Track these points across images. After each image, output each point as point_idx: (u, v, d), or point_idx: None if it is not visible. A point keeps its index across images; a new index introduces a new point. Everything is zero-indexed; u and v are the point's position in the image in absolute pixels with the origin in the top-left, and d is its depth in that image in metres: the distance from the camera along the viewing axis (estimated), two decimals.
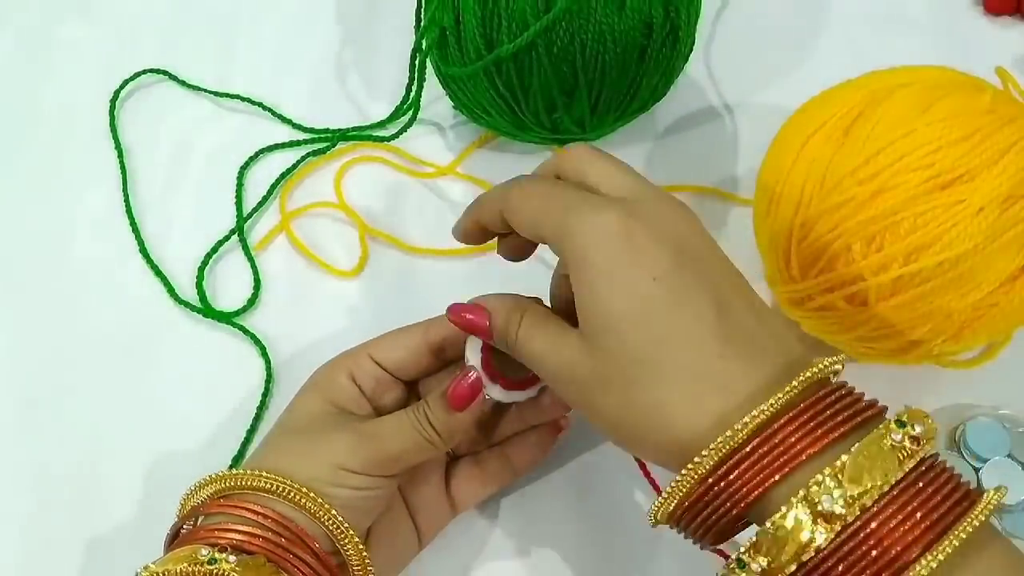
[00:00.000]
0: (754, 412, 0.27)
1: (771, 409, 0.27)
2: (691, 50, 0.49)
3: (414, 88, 0.50)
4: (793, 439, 0.27)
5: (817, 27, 0.58)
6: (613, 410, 0.30)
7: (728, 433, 0.27)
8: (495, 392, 0.36)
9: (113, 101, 0.56)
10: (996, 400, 0.44)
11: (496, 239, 0.37)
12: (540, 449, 0.41)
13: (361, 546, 0.34)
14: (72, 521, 0.43)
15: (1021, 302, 0.38)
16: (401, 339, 0.39)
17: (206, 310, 0.49)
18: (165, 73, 0.58)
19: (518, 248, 0.37)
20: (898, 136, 0.37)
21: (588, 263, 0.30)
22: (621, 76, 0.45)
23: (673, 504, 0.29)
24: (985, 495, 0.27)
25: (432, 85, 0.50)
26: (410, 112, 0.51)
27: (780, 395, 0.27)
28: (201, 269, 0.50)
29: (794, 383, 0.28)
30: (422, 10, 0.49)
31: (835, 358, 0.30)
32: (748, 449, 0.27)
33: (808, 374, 0.28)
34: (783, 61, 0.56)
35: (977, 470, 0.42)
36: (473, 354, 0.37)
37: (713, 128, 0.54)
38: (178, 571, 0.31)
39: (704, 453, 0.27)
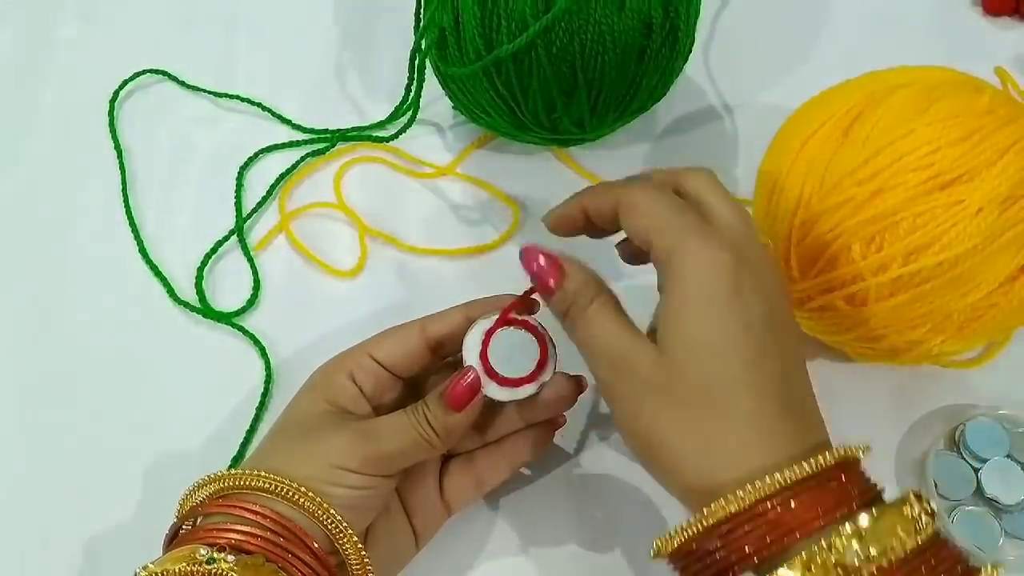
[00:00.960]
0: (785, 473, 0.29)
1: (802, 472, 0.29)
2: (690, 50, 0.49)
3: (413, 88, 0.50)
4: (810, 506, 0.28)
5: (816, 27, 0.58)
6: (662, 423, 0.31)
7: (748, 488, 0.29)
8: (493, 390, 0.36)
9: (112, 101, 0.56)
10: (995, 400, 0.44)
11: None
12: (538, 445, 0.41)
13: (360, 545, 0.34)
14: (72, 521, 0.43)
15: (1020, 302, 0.38)
16: (399, 336, 0.39)
17: (205, 310, 0.49)
18: (164, 73, 0.58)
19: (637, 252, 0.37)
20: (897, 136, 0.37)
21: (693, 286, 0.31)
22: (620, 76, 0.45)
23: (676, 544, 0.30)
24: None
25: (431, 85, 0.50)
26: (409, 112, 0.51)
27: (811, 463, 0.29)
28: (200, 269, 0.50)
29: (824, 457, 0.29)
30: (421, 10, 0.49)
31: (860, 445, 0.31)
32: (767, 507, 0.28)
33: (841, 452, 0.30)
34: (782, 61, 0.56)
35: (976, 470, 0.42)
36: (471, 352, 0.37)
37: (712, 128, 0.54)
38: (177, 570, 0.31)
39: (722, 503, 0.29)
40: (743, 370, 0.31)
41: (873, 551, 0.27)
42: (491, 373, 0.36)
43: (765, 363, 0.31)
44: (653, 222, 0.33)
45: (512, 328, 0.37)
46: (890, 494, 0.42)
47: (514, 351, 0.37)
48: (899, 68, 0.42)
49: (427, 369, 0.40)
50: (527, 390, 0.37)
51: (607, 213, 0.35)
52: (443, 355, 0.39)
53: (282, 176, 0.53)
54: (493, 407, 0.40)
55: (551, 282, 0.34)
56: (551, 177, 0.53)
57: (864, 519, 0.28)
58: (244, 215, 0.52)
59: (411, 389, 0.40)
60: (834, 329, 0.41)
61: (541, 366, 0.37)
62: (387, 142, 0.53)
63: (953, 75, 0.41)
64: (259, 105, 0.56)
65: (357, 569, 0.34)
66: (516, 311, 0.38)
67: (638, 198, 0.34)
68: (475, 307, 0.39)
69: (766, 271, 0.33)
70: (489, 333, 0.37)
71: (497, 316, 0.37)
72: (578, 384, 0.39)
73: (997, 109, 0.38)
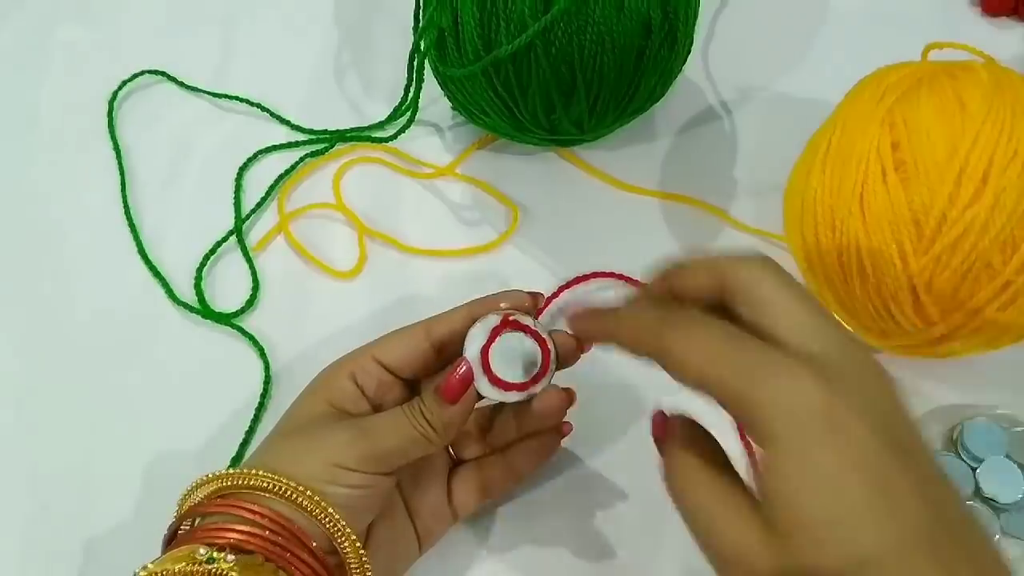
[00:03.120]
0: None
1: None
2: (689, 51, 0.49)
3: (412, 89, 0.50)
4: None
5: (815, 28, 0.58)
6: None
7: None
8: (484, 387, 0.36)
9: (111, 102, 0.56)
10: (993, 400, 0.44)
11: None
12: (543, 453, 0.41)
13: (358, 544, 0.34)
14: (71, 522, 0.43)
15: None
16: (404, 338, 0.39)
17: (204, 311, 0.49)
18: (163, 74, 0.58)
19: None
20: (970, 142, 0.37)
21: (781, 445, 0.25)
22: (619, 77, 0.45)
23: None
24: None
25: (431, 86, 0.50)
26: (408, 113, 0.51)
27: None
28: (199, 270, 0.50)
29: None
30: (420, 11, 0.49)
31: None
32: None
33: None
34: (781, 62, 0.57)
35: (974, 470, 0.42)
36: (473, 346, 0.37)
37: (711, 128, 0.54)
38: (176, 570, 0.31)
39: None
40: (875, 541, 0.24)
41: None
42: (487, 370, 0.36)
43: (902, 511, 0.25)
44: (704, 370, 0.27)
45: (522, 334, 0.37)
46: None
47: (516, 356, 0.37)
48: (899, 68, 0.42)
49: (430, 371, 0.40)
50: (516, 396, 0.37)
51: (649, 350, 0.29)
52: (447, 356, 0.39)
53: (281, 177, 0.53)
54: (498, 412, 0.40)
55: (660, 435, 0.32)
56: (551, 178, 0.53)
57: None
58: (243, 216, 0.52)
59: (413, 391, 0.40)
60: (990, 342, 0.40)
61: (536, 379, 0.37)
62: (386, 143, 0.54)
63: (938, 67, 0.41)
64: (258, 106, 0.56)
65: (355, 569, 0.34)
66: (519, 311, 0.38)
67: (678, 342, 0.28)
68: (478, 306, 0.39)
69: (863, 372, 0.27)
70: (496, 331, 0.37)
71: (502, 316, 0.37)
72: (568, 398, 0.38)
73: (1000, 79, 0.38)
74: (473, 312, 0.38)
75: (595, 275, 0.45)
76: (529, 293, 0.39)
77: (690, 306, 0.30)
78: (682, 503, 0.29)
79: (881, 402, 0.27)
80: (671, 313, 0.30)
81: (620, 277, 0.47)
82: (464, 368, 0.36)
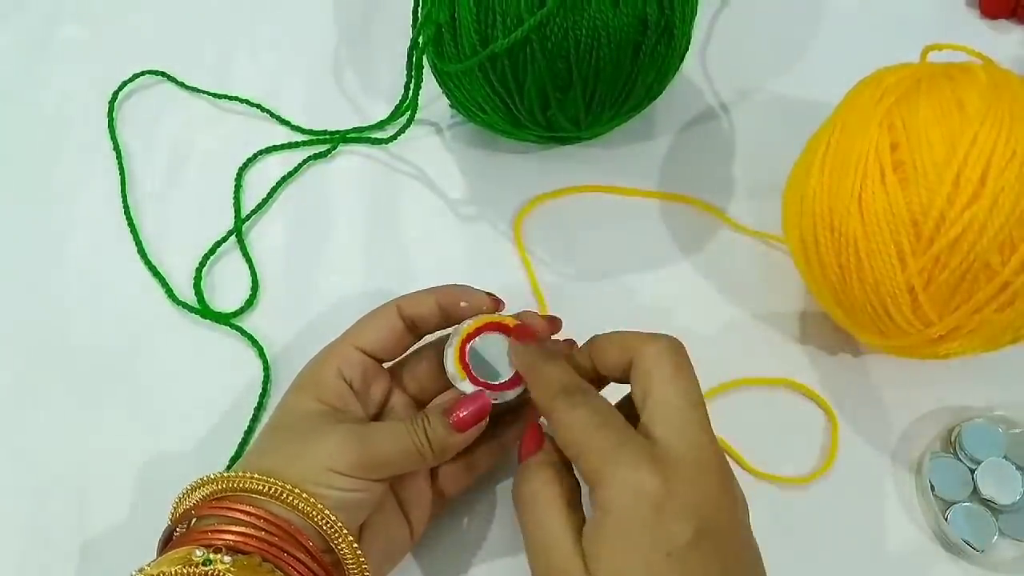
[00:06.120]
0: None
1: None
2: (687, 49, 0.49)
3: (412, 86, 0.50)
4: None
5: (813, 30, 0.58)
6: None
7: None
8: (465, 386, 0.38)
9: (112, 102, 0.57)
10: (992, 401, 0.44)
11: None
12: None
13: (355, 544, 0.34)
14: (68, 523, 0.43)
15: None
16: (377, 320, 0.40)
17: (204, 311, 0.49)
18: (163, 74, 0.58)
19: None
20: (968, 142, 0.37)
21: (614, 516, 0.31)
22: (616, 73, 0.45)
23: None
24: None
25: (430, 86, 0.50)
26: (408, 112, 0.51)
27: None
28: (199, 270, 0.50)
29: None
30: (419, 7, 0.49)
31: None
32: None
33: None
34: (779, 63, 0.57)
35: (972, 471, 0.42)
36: (451, 363, 0.38)
37: (710, 130, 0.54)
38: (173, 572, 0.31)
39: None
40: None
41: None
42: (472, 376, 0.38)
43: None
44: (575, 446, 0.33)
45: (501, 335, 0.39)
46: (888, 494, 0.43)
47: (495, 357, 0.38)
48: (898, 70, 0.42)
49: (407, 349, 0.41)
50: (489, 394, 0.38)
51: (542, 408, 0.35)
52: (418, 334, 0.41)
53: (283, 179, 0.53)
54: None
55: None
56: (550, 176, 0.53)
57: None
58: (243, 216, 0.52)
59: (395, 380, 0.41)
60: (988, 342, 0.40)
61: (507, 386, 0.38)
62: (386, 143, 0.54)
63: (944, 68, 0.41)
64: (258, 106, 0.56)
65: (352, 567, 0.34)
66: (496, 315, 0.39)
67: (561, 417, 0.34)
68: (444, 292, 0.40)
69: (703, 479, 0.32)
70: (479, 330, 0.38)
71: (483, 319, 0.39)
72: (552, 325, 0.40)
73: (998, 81, 0.38)
74: (439, 298, 0.39)
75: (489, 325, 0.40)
76: (488, 295, 0.40)
77: (593, 381, 0.36)
78: (525, 513, 0.34)
79: (704, 504, 0.31)
80: (570, 383, 0.35)
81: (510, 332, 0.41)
82: (481, 403, 0.37)
